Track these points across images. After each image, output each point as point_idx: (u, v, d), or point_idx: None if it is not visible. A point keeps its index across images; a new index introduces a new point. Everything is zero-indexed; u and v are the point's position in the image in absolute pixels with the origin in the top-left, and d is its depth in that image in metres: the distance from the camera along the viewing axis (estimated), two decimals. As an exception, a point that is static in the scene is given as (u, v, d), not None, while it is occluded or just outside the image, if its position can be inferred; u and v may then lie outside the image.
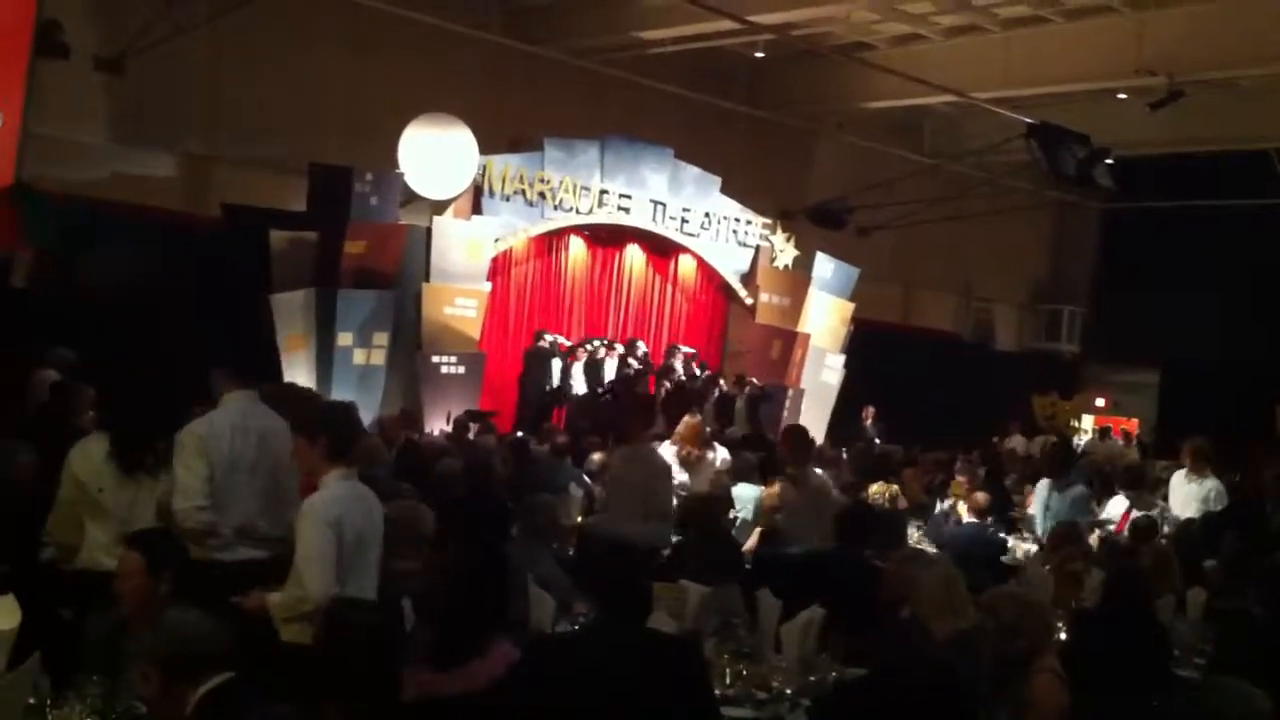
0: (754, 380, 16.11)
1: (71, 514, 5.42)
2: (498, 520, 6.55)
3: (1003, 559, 8.91)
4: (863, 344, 17.74)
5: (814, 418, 16.54)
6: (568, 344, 15.41)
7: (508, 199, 14.67)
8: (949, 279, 22.14)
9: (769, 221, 17.45)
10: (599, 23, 15.41)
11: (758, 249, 17.25)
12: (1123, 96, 15.69)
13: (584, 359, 15.20)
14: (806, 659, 4.90)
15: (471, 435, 11.28)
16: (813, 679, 4.73)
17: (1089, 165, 14.73)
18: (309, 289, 12.57)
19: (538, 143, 15.03)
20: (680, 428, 9.49)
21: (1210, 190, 18.51)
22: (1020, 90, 15.78)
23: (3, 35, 11.54)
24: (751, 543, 7.83)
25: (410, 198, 13.66)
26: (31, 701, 3.62)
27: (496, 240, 14.51)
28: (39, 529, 5.59)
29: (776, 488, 7.95)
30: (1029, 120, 15.05)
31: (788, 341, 16.76)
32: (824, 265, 17.23)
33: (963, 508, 9.66)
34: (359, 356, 12.89)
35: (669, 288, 17.30)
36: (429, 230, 13.63)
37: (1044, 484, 9.25)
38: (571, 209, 15.31)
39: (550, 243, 15.88)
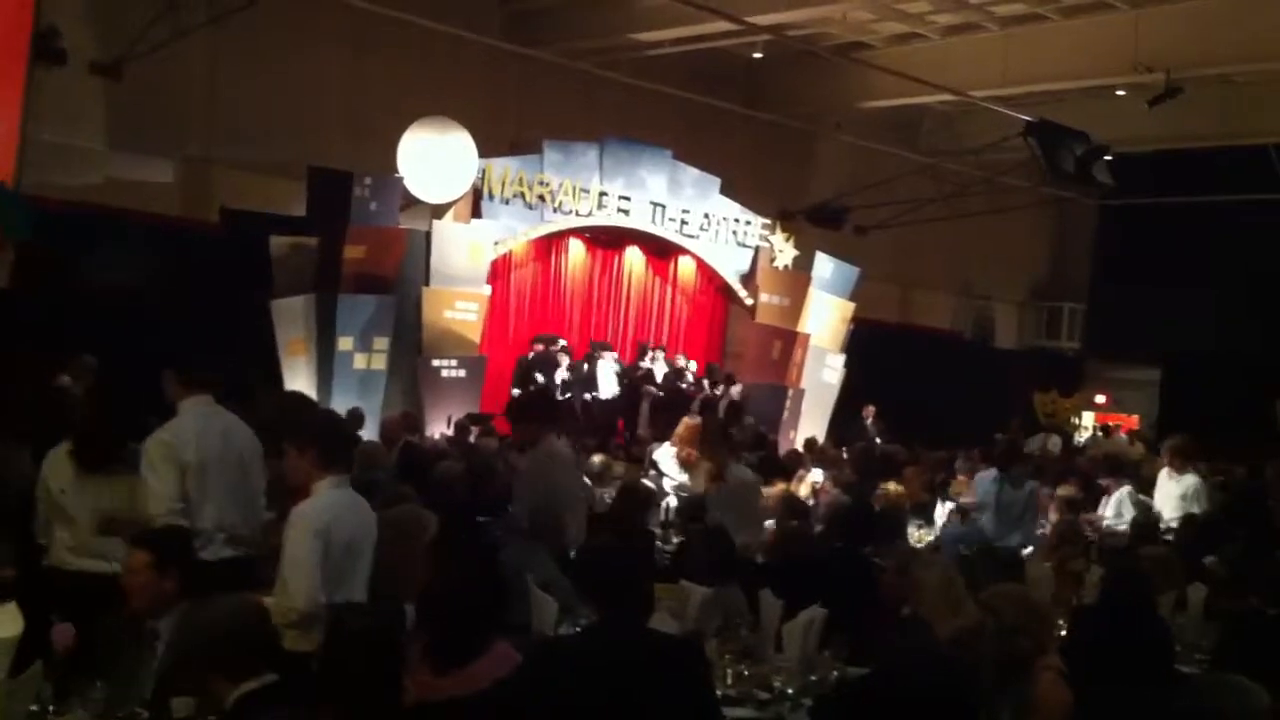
0: (737, 384, 15.98)
1: (45, 515, 5.53)
2: (498, 523, 6.55)
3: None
4: (863, 343, 17.72)
5: (814, 418, 16.58)
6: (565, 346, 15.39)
7: (507, 202, 14.68)
8: (948, 277, 22.11)
9: (768, 222, 17.45)
10: (597, 25, 15.40)
11: (757, 249, 17.25)
12: (1121, 93, 15.73)
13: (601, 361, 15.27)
14: (808, 658, 4.90)
15: (472, 438, 11.29)
16: (814, 678, 4.73)
17: (1087, 162, 14.74)
18: (309, 294, 12.56)
19: (537, 145, 15.04)
20: (680, 429, 9.48)
21: (1209, 186, 18.50)
22: (1018, 88, 15.77)
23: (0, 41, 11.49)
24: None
25: (410, 201, 13.66)
26: (34, 709, 3.63)
27: (496, 243, 14.52)
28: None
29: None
30: (1027, 118, 15.03)
31: (788, 341, 16.75)
32: (824, 265, 17.22)
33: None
34: (360, 361, 12.86)
35: (669, 289, 17.33)
36: (429, 234, 13.63)
37: (990, 474, 9.24)
38: (571, 211, 15.31)
39: (550, 245, 15.91)
